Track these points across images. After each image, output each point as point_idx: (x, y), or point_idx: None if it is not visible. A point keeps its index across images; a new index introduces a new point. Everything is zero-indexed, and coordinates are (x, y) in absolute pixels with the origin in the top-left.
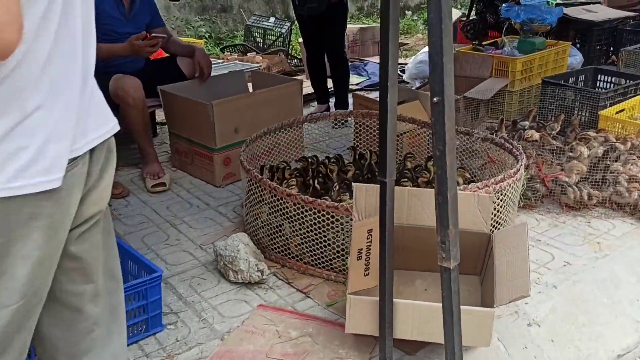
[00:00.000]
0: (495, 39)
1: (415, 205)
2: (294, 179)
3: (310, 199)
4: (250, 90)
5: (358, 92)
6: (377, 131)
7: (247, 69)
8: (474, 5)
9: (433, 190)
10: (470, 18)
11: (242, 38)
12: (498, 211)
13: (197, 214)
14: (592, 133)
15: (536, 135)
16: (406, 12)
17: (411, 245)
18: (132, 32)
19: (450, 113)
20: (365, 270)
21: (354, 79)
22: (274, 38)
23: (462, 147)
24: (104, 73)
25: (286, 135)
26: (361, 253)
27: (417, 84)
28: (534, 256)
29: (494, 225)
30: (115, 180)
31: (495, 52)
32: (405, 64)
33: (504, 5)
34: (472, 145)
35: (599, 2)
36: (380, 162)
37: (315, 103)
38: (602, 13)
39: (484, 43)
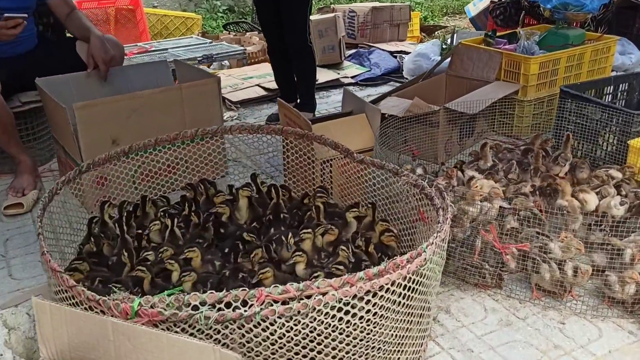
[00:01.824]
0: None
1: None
2: (156, 224)
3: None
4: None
5: (283, 102)
6: (308, 158)
7: (223, 53)
8: None
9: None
10: (502, 0)
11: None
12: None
13: (35, 253)
14: (612, 171)
15: (486, 186)
16: None
17: None
18: (7, 7)
19: None
20: None
21: (352, 70)
22: None
23: (393, 191)
24: None
25: (189, 150)
26: None
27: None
28: None
29: None
30: None
31: (506, 47)
32: (407, 53)
33: None
34: (404, 190)
35: None
36: None
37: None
38: None
39: (499, 34)
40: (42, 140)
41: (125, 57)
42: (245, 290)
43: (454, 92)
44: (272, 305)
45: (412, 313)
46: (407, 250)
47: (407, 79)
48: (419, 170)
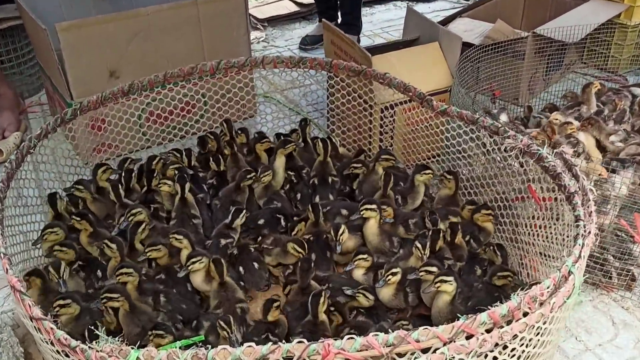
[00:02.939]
0: None
1: None
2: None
3: None
4: None
5: (330, 24)
6: (365, 102)
7: None
8: None
9: None
10: None
11: None
12: None
13: (17, 216)
14: None
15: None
16: None
17: None
18: None
19: None
20: None
21: None
22: None
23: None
24: None
25: (209, 87)
26: None
27: None
28: None
29: None
30: None
31: None
32: None
33: None
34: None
35: None
36: None
37: (317, 19)
38: None
39: None
40: (29, 65)
41: None
42: (302, 343)
43: (534, 14)
44: None
45: (542, 354)
46: (503, 240)
47: None
48: (503, 117)
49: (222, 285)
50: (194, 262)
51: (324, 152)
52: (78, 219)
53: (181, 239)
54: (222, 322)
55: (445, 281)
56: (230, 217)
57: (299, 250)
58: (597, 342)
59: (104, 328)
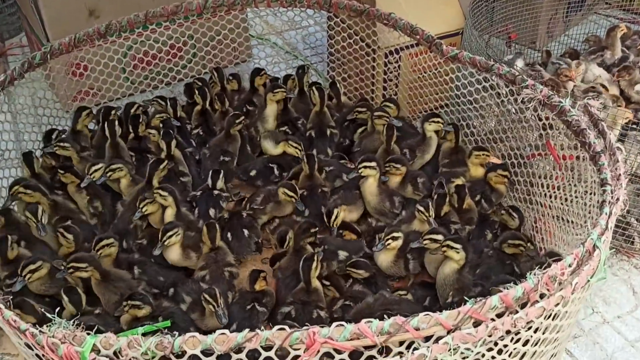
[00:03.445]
0: None
1: None
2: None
3: None
4: None
5: None
6: (367, 45)
7: None
8: None
9: None
10: None
11: None
12: None
13: None
14: None
15: None
16: None
17: None
18: None
19: None
20: None
21: None
22: None
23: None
24: None
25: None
26: None
27: None
28: None
29: None
30: None
31: None
32: None
33: None
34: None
35: None
36: None
37: None
38: None
39: None
40: (8, 3)
41: None
42: (284, 330)
43: None
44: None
45: (558, 339)
46: (515, 201)
47: None
48: (519, 63)
49: (213, 249)
50: (170, 236)
51: (320, 102)
52: (62, 172)
53: (166, 195)
54: (206, 295)
55: (452, 247)
56: (209, 180)
57: (291, 194)
58: (615, 314)
59: (58, 310)
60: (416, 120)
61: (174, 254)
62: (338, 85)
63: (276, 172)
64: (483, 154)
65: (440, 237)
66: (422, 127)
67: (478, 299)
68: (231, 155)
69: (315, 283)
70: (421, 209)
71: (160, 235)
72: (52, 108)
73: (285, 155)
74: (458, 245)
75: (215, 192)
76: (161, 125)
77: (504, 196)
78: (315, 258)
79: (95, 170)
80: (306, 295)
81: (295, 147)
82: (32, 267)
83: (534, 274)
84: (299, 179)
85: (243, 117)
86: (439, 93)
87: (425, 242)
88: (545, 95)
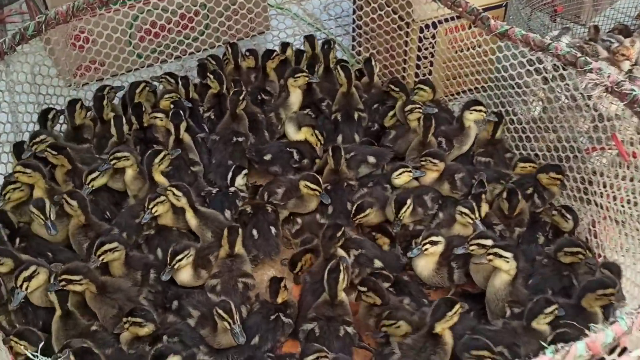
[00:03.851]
0: None
1: None
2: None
3: None
4: None
5: None
6: (400, 18)
7: None
8: None
9: None
10: None
11: None
12: None
13: None
14: None
15: None
16: None
17: None
18: None
19: None
20: None
21: None
22: None
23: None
24: None
25: None
26: None
27: None
28: None
29: None
30: None
31: None
32: None
33: None
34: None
35: None
36: None
37: None
38: None
39: None
40: None
41: None
42: None
43: None
44: None
45: None
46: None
47: None
48: (565, 39)
49: (231, 255)
50: (179, 260)
51: (347, 82)
52: (54, 152)
53: (180, 196)
54: (220, 311)
55: (501, 256)
56: (230, 174)
57: (314, 187)
58: None
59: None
60: (452, 102)
61: (185, 276)
62: (373, 63)
63: (296, 156)
64: (530, 166)
65: (489, 242)
66: (461, 116)
67: (559, 346)
68: (244, 135)
69: (341, 295)
70: (465, 210)
71: (169, 259)
72: (50, 85)
73: (307, 142)
74: (508, 254)
75: (232, 189)
76: (171, 106)
77: (557, 196)
78: (342, 268)
79: (93, 179)
80: (330, 309)
81: (317, 139)
82: (25, 273)
83: (626, 314)
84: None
85: (245, 93)
86: (479, 74)
87: (472, 248)
88: (614, 81)
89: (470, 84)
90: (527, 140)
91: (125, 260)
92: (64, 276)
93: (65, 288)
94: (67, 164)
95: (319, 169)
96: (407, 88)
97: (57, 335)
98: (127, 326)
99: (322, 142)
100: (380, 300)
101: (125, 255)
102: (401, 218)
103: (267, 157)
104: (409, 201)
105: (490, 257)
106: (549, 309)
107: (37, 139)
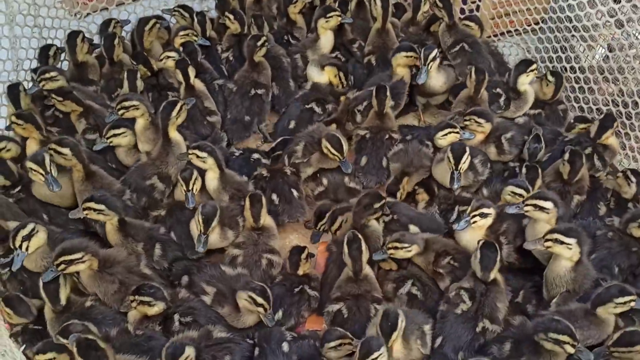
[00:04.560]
0: None
1: None
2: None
3: None
4: None
5: None
6: None
7: None
8: None
9: None
10: None
11: None
12: None
13: None
14: None
15: None
16: None
17: None
18: None
19: None
20: None
21: None
22: None
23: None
24: None
25: None
26: None
27: None
28: None
29: None
30: None
31: None
32: None
33: None
34: None
35: None
36: None
37: None
38: None
39: None
40: None
41: None
42: None
43: None
44: None
45: None
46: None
47: None
48: None
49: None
50: (115, 135)
51: (382, 15)
52: (60, 98)
53: (205, 157)
54: (254, 296)
55: (563, 242)
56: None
57: (334, 153)
58: None
59: None
60: (500, 41)
61: (211, 237)
62: None
63: (317, 109)
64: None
65: (549, 204)
66: (515, 80)
67: None
68: (264, 87)
69: (366, 269)
70: (518, 190)
71: (202, 226)
72: (53, 17)
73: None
74: (570, 240)
75: (255, 156)
76: (181, 48)
77: (618, 153)
78: (362, 241)
79: (115, 135)
80: (355, 286)
81: (340, 81)
82: (24, 232)
83: None
84: (366, 117)
85: (265, 39)
86: (533, 4)
87: (527, 208)
88: None
89: (521, 24)
90: (580, 92)
91: (121, 227)
92: (61, 258)
93: (65, 272)
94: (76, 108)
95: (339, 117)
96: (451, 6)
97: (52, 325)
98: (135, 305)
99: (346, 85)
100: (396, 265)
101: (122, 221)
102: (460, 171)
103: (292, 125)
104: (467, 149)
105: (549, 243)
106: (621, 299)
107: (47, 75)
